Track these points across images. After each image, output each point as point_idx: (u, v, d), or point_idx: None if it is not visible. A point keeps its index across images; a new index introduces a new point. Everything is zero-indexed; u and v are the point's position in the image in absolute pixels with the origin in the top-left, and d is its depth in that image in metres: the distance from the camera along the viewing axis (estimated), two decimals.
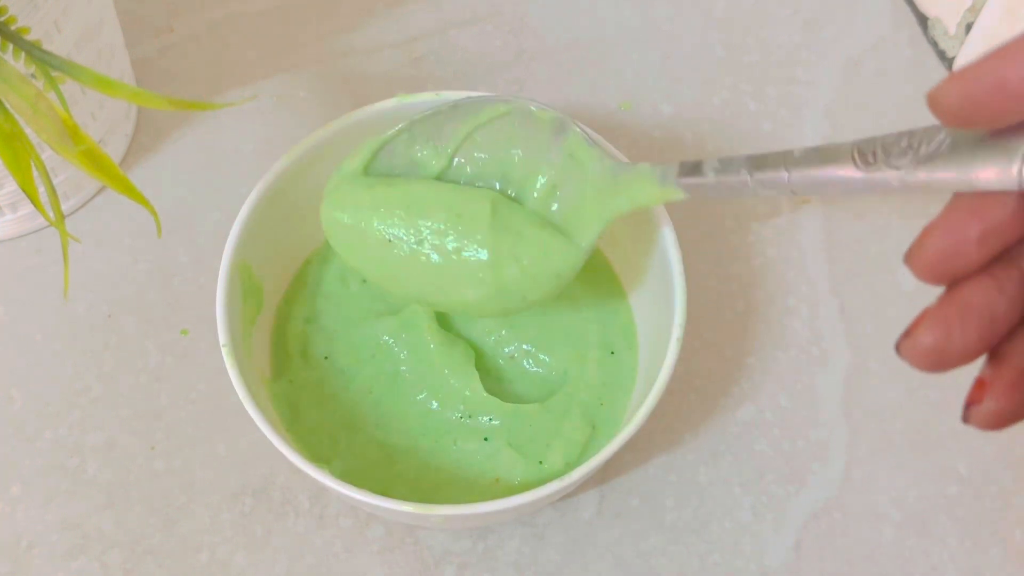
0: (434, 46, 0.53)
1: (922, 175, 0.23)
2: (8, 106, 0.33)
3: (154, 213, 0.36)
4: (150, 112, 0.50)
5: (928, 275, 0.23)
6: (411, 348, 0.41)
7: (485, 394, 0.40)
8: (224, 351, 0.37)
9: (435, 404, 0.40)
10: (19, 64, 0.35)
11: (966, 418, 0.23)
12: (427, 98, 0.41)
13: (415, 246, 0.36)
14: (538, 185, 0.36)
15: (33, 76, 0.35)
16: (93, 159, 0.34)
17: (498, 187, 0.37)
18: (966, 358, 0.23)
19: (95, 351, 0.44)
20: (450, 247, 0.36)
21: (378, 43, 0.53)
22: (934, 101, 0.21)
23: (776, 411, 0.43)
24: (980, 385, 0.23)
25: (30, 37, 0.35)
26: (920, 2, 0.54)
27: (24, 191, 0.34)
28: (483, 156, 0.37)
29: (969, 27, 0.50)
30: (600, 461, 0.35)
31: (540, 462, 0.39)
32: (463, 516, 0.35)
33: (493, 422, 0.40)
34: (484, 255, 0.35)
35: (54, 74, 0.35)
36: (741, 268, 0.47)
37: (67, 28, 0.41)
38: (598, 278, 0.43)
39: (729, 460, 0.42)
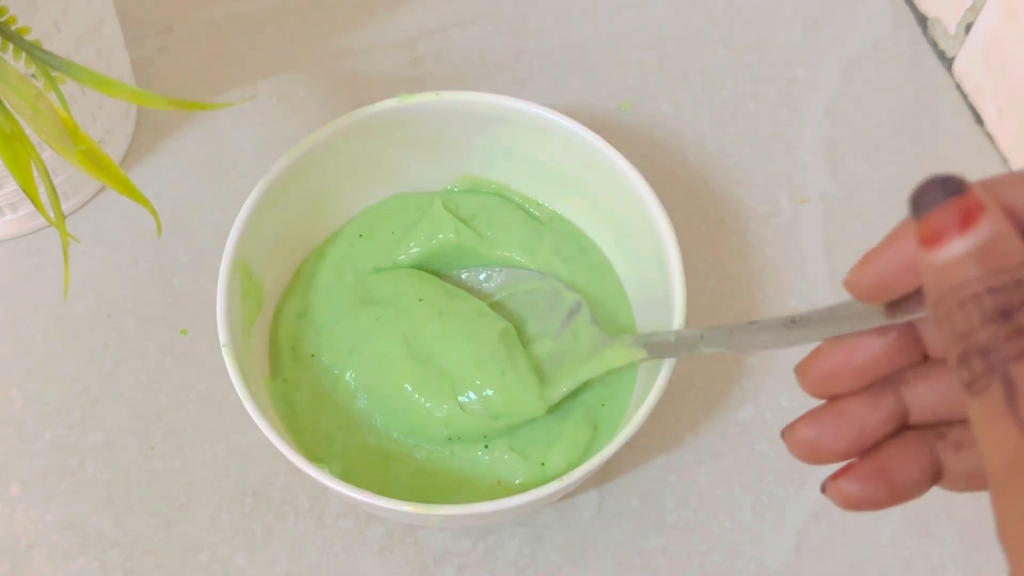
0: (434, 46, 0.53)
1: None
2: (8, 106, 0.33)
3: (154, 213, 0.36)
4: (150, 112, 0.50)
5: (812, 392, 0.27)
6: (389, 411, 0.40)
7: (466, 416, 0.39)
8: (224, 351, 0.37)
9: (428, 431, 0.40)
10: (19, 64, 0.35)
11: (822, 487, 0.26)
12: (427, 98, 0.41)
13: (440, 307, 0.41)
14: (540, 349, 0.41)
15: (33, 76, 0.35)
16: (93, 159, 0.34)
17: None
18: (837, 457, 0.26)
19: (95, 351, 0.44)
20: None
21: (378, 43, 0.53)
22: (848, 285, 0.26)
23: (776, 411, 0.43)
24: (848, 467, 0.26)
25: (30, 37, 0.35)
26: (920, 2, 0.54)
27: (24, 191, 0.34)
28: (512, 313, 0.42)
29: (969, 27, 0.50)
30: (600, 461, 0.35)
31: (542, 464, 0.39)
32: (463, 516, 0.35)
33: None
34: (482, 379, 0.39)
35: (54, 74, 0.35)
36: (741, 268, 0.47)
37: (67, 28, 0.41)
38: (599, 278, 0.43)
39: (729, 460, 0.42)
